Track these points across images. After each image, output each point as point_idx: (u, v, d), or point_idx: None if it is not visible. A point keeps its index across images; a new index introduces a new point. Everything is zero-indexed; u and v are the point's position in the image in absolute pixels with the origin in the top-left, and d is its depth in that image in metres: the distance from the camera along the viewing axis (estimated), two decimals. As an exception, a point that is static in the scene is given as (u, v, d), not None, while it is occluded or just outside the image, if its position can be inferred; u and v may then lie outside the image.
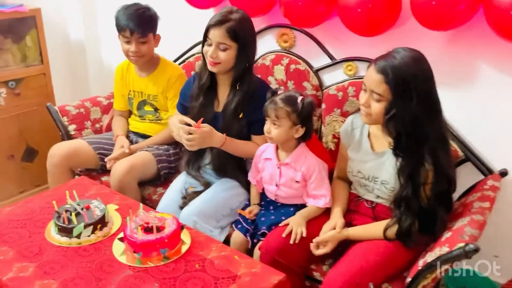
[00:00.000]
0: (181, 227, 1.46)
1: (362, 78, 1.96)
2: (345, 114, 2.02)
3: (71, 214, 1.48)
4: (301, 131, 1.67)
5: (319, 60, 2.12)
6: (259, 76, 2.25)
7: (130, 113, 2.40)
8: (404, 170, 1.48)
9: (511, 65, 1.67)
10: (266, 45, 2.24)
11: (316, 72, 2.13)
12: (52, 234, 1.50)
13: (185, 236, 1.48)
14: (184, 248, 1.43)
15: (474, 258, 1.57)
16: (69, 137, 2.35)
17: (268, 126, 1.67)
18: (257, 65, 2.24)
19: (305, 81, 2.12)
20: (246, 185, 1.87)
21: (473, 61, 1.75)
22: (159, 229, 1.40)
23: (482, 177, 1.79)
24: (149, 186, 2.12)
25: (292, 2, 1.92)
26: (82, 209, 1.51)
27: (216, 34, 1.69)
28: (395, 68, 1.40)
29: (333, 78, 2.10)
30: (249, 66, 1.79)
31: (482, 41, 1.69)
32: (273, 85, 2.20)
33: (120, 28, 2.09)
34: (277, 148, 1.75)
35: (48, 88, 2.58)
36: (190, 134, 1.64)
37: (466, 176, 1.81)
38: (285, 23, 2.12)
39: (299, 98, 1.64)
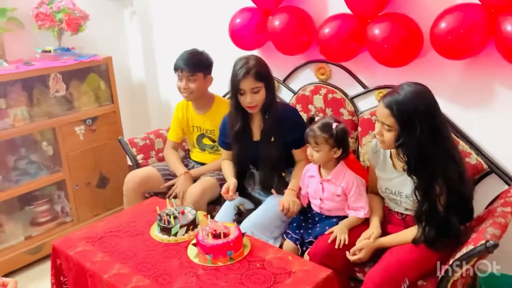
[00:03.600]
0: (242, 234, 1.76)
1: (392, 103, 2.25)
2: (378, 135, 2.27)
3: (170, 217, 1.86)
4: (338, 152, 1.93)
5: (353, 89, 2.41)
6: (284, 101, 2.59)
7: (180, 145, 2.72)
8: (419, 189, 1.71)
9: (524, 86, 1.91)
10: (306, 77, 2.56)
11: (351, 99, 2.41)
12: (155, 232, 1.89)
13: (246, 242, 1.77)
14: (246, 251, 1.71)
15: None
16: (138, 165, 2.71)
17: (310, 151, 1.95)
18: (299, 95, 2.55)
19: (342, 107, 2.41)
20: None
21: (490, 84, 1.98)
22: (225, 235, 1.70)
23: (506, 187, 1.99)
24: (210, 205, 2.43)
25: (327, 41, 2.23)
26: (178, 213, 1.89)
27: (247, 83, 2.01)
28: (399, 104, 1.63)
29: (366, 104, 2.38)
30: (273, 96, 2.11)
31: (496, 67, 1.93)
32: (313, 112, 2.50)
33: (175, 68, 2.44)
34: (319, 166, 2.03)
35: (118, 124, 2.99)
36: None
37: (491, 187, 2.02)
38: (321, 58, 2.42)
39: (334, 125, 1.90)
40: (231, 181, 2.14)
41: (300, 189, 2.10)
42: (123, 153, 3.01)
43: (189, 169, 2.54)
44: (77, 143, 2.81)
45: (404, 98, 1.64)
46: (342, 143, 1.93)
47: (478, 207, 1.88)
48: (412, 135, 1.64)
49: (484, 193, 2.00)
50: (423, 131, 1.62)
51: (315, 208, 2.05)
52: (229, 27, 2.59)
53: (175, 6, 3.08)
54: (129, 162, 2.98)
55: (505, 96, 1.96)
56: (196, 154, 2.64)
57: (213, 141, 2.56)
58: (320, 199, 2.00)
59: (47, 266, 2.61)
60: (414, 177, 1.71)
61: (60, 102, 2.76)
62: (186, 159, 2.74)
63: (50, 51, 2.76)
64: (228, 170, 2.27)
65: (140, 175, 2.52)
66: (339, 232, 1.84)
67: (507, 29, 1.74)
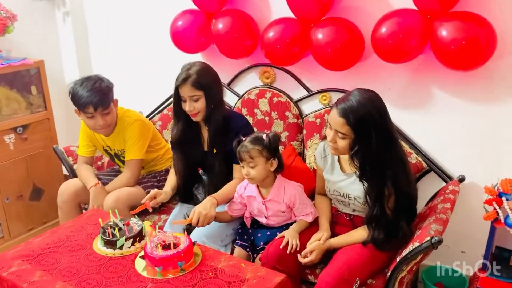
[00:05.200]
0: (193, 243, 1.70)
1: (336, 105, 2.30)
2: (324, 138, 2.31)
3: (114, 229, 1.74)
4: (275, 163, 1.89)
5: (298, 92, 2.43)
6: (238, 109, 2.54)
7: (93, 160, 2.49)
8: (371, 194, 1.72)
9: (457, 87, 2.02)
10: (251, 81, 2.55)
11: (296, 103, 2.43)
12: (99, 246, 1.77)
13: (197, 251, 1.71)
14: (197, 261, 1.66)
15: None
16: (75, 175, 2.56)
17: (246, 170, 1.86)
18: (244, 99, 2.53)
19: (287, 111, 2.42)
20: None
21: (427, 86, 2.08)
22: (175, 245, 1.64)
23: (444, 184, 2.10)
24: (153, 215, 2.35)
25: (272, 45, 2.23)
26: (123, 225, 1.78)
27: (186, 90, 1.94)
28: (354, 111, 1.62)
29: (311, 107, 2.41)
30: (214, 106, 1.99)
31: (432, 70, 2.03)
32: (259, 116, 2.49)
33: (81, 106, 2.14)
34: (258, 186, 1.96)
35: (52, 131, 2.81)
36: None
37: (431, 184, 2.13)
38: (266, 62, 2.43)
39: (264, 135, 1.87)
40: (160, 191, 2.07)
41: (229, 201, 2.05)
42: (58, 162, 2.83)
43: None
44: (6, 153, 2.61)
45: (358, 106, 1.63)
46: (276, 152, 1.89)
47: (419, 204, 1.94)
48: (367, 142, 1.64)
49: (424, 191, 2.10)
50: (377, 138, 1.64)
51: (262, 223, 2.03)
52: (170, 30, 2.53)
53: (111, 7, 2.95)
54: (65, 172, 2.82)
55: (441, 97, 2.06)
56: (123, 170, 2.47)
57: (124, 162, 2.39)
58: (266, 217, 1.98)
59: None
60: (366, 182, 1.73)
61: (-14, 110, 2.55)
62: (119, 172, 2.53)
63: (-28, 54, 2.55)
64: (170, 180, 2.20)
65: (75, 185, 2.36)
66: (290, 237, 1.84)
67: (442, 33, 1.83)
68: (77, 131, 3.27)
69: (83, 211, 2.42)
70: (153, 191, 2.05)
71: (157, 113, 2.86)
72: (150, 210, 2.08)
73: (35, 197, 2.81)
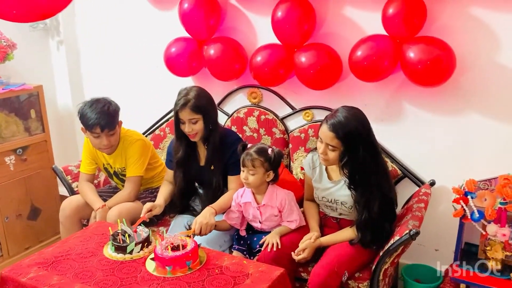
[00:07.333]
0: (198, 245, 1.87)
1: (318, 122, 2.53)
2: (308, 150, 2.53)
3: (124, 236, 1.89)
4: (271, 175, 2.09)
5: (283, 110, 2.66)
6: (228, 127, 2.74)
7: (94, 176, 2.62)
8: (360, 201, 1.94)
9: (425, 102, 2.29)
10: (239, 101, 2.77)
11: (282, 120, 2.66)
12: (109, 252, 1.90)
13: (201, 253, 1.88)
14: (202, 261, 1.83)
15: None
16: (73, 193, 2.67)
17: (245, 174, 2.07)
18: (233, 118, 2.74)
19: (274, 127, 2.65)
20: None
21: (398, 101, 2.35)
22: (183, 246, 1.81)
23: (417, 188, 2.34)
24: (152, 227, 2.49)
25: (260, 68, 2.47)
26: (132, 232, 1.93)
27: (185, 114, 2.14)
28: (342, 126, 1.84)
29: (295, 123, 2.64)
30: (212, 127, 2.21)
31: (402, 87, 2.30)
32: (248, 133, 2.70)
33: (89, 126, 2.29)
34: (253, 192, 2.16)
35: (49, 153, 2.94)
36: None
37: (405, 189, 2.37)
38: (253, 83, 2.66)
39: (269, 150, 2.08)
40: (155, 204, 2.23)
41: (226, 210, 2.21)
42: (55, 182, 2.97)
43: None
44: (7, 174, 2.72)
45: (346, 121, 1.85)
46: (276, 167, 2.09)
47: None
48: (356, 153, 1.86)
49: (400, 194, 2.31)
50: (363, 149, 1.86)
51: (257, 228, 2.21)
52: (164, 56, 2.73)
53: (103, 35, 3.14)
54: (61, 192, 2.95)
55: (411, 111, 2.33)
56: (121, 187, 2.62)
57: (123, 181, 2.54)
58: (260, 222, 2.16)
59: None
60: (354, 190, 1.93)
61: (-12, 132, 2.67)
62: (117, 189, 2.68)
63: (-26, 80, 2.68)
64: (162, 193, 2.37)
65: (77, 201, 2.49)
66: (270, 238, 2.03)
67: (410, 55, 2.11)
68: (69, 152, 3.43)
69: (83, 227, 2.54)
70: (149, 205, 2.21)
71: (149, 134, 3.04)
72: (147, 221, 2.24)
73: (32, 216, 2.90)
